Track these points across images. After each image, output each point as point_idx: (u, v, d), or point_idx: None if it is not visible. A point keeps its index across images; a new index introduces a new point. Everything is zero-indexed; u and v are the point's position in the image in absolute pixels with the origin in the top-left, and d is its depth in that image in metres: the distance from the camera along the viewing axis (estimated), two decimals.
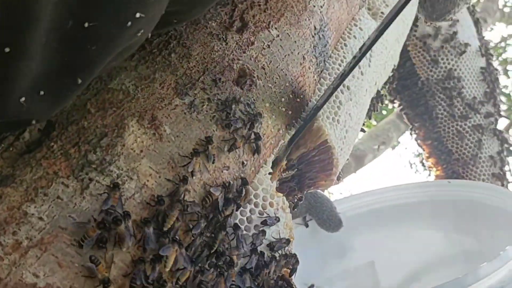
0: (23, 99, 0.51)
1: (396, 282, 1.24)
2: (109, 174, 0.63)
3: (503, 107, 1.88)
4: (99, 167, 0.63)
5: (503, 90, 1.81)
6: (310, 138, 0.92)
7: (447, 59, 1.57)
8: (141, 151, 0.66)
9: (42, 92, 0.52)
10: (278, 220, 0.78)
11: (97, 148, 0.64)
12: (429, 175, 1.69)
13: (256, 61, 0.84)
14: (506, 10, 5.06)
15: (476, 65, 1.62)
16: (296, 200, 1.01)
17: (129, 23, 0.52)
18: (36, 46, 0.48)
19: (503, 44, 5.45)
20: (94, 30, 0.50)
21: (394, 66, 1.38)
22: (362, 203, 1.34)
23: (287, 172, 0.93)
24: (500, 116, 1.67)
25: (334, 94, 0.89)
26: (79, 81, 0.54)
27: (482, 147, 1.55)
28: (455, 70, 1.58)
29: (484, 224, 1.14)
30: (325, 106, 0.89)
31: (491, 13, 3.86)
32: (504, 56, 5.49)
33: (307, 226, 1.37)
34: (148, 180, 0.65)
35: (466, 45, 1.60)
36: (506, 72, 4.92)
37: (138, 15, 0.51)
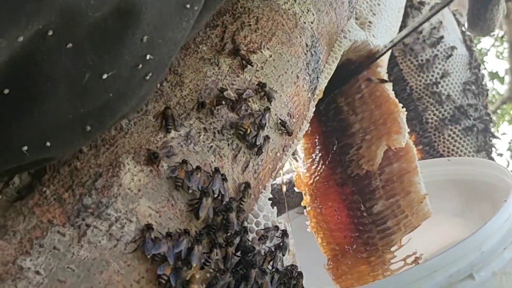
0: (25, 148, 0.48)
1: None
2: (107, 218, 0.60)
3: None
4: (95, 211, 0.59)
5: (483, 82, 1.82)
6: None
7: (434, 64, 1.57)
8: (139, 190, 0.63)
9: (48, 143, 0.50)
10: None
11: (92, 190, 0.61)
12: None
13: (251, 84, 0.81)
14: None
15: (464, 68, 1.62)
16: None
17: (140, 66, 0.51)
18: (49, 101, 0.46)
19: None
20: (111, 79, 0.48)
21: None
22: None
23: None
24: (489, 115, 1.67)
25: None
26: (88, 128, 0.53)
27: (474, 149, 1.55)
28: (443, 74, 1.57)
29: (488, 203, 1.12)
30: None
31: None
32: (479, 46, 5.56)
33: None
34: (148, 221, 0.62)
35: (453, 48, 1.60)
36: (482, 62, 4.97)
37: (148, 57, 0.51)
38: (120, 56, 0.48)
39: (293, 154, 1.19)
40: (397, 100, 1.00)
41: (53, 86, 0.45)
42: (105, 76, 0.48)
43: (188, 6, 0.54)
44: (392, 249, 0.97)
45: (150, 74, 0.54)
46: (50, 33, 0.42)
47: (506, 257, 0.78)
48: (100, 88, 0.49)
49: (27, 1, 0.38)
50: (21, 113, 0.46)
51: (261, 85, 0.80)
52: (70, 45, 0.43)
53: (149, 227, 0.60)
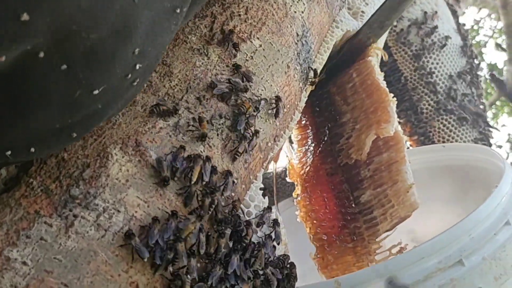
0: (8, 152, 0.48)
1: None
2: (95, 208, 0.59)
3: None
4: (83, 202, 0.59)
5: (478, 72, 1.80)
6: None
7: (429, 53, 1.56)
8: (127, 180, 0.63)
9: (32, 149, 0.50)
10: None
11: (79, 181, 0.61)
12: None
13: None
14: None
15: (457, 57, 1.62)
16: None
17: (129, 76, 0.51)
18: (36, 114, 0.46)
19: (475, 27, 5.52)
20: (102, 92, 0.48)
21: None
22: None
23: None
24: (484, 105, 1.67)
25: None
26: (74, 135, 0.53)
27: (470, 139, 1.55)
28: (437, 63, 1.57)
29: (482, 188, 1.11)
30: None
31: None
32: (477, 38, 5.56)
33: None
34: (136, 211, 0.62)
35: (447, 38, 1.59)
36: (480, 54, 4.97)
37: (137, 66, 0.51)
38: (112, 71, 0.48)
39: (290, 142, 1.19)
40: (387, 89, 1.00)
41: (42, 101, 0.45)
42: (96, 92, 0.47)
43: (178, 10, 0.54)
44: (378, 239, 0.97)
45: (138, 80, 0.54)
46: (41, 54, 0.41)
47: (497, 242, 0.78)
48: (90, 102, 0.49)
49: (8, 24, 0.37)
50: (7, 124, 0.46)
51: (236, 67, 0.79)
52: (64, 66, 0.43)
53: (129, 233, 0.59)
